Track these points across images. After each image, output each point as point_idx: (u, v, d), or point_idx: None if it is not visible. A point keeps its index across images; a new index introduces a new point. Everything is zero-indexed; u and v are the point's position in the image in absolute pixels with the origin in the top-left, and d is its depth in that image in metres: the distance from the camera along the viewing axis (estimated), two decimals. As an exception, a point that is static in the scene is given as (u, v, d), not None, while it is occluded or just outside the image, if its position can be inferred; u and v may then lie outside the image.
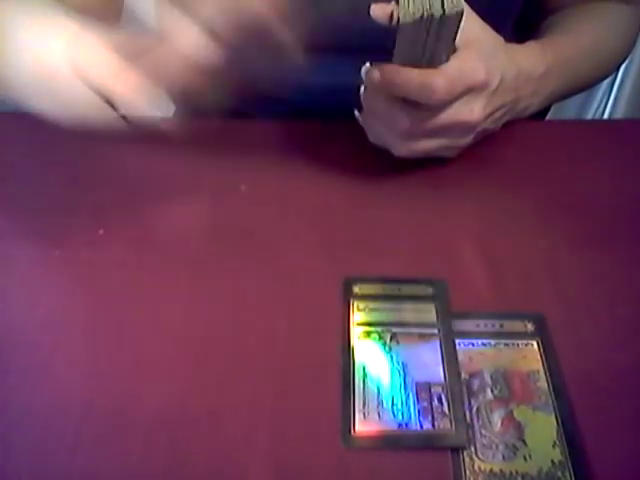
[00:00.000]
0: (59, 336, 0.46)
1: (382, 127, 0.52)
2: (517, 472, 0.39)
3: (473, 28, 0.51)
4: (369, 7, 0.49)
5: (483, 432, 0.41)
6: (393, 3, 0.46)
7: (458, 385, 0.43)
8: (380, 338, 0.46)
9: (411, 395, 0.43)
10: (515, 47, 0.56)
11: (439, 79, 0.48)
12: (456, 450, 0.40)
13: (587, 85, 0.67)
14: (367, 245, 0.52)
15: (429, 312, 0.47)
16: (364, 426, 0.41)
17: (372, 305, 0.48)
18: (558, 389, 0.43)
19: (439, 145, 0.53)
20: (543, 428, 0.41)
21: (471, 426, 0.41)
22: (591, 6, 0.65)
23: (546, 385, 0.43)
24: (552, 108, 0.73)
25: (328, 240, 0.52)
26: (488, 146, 0.58)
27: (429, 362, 0.44)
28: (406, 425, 0.41)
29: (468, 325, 0.46)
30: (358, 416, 0.42)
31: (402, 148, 0.52)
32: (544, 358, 0.45)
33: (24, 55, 0.47)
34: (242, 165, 0.58)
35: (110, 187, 0.56)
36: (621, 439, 0.41)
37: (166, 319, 0.47)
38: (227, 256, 0.51)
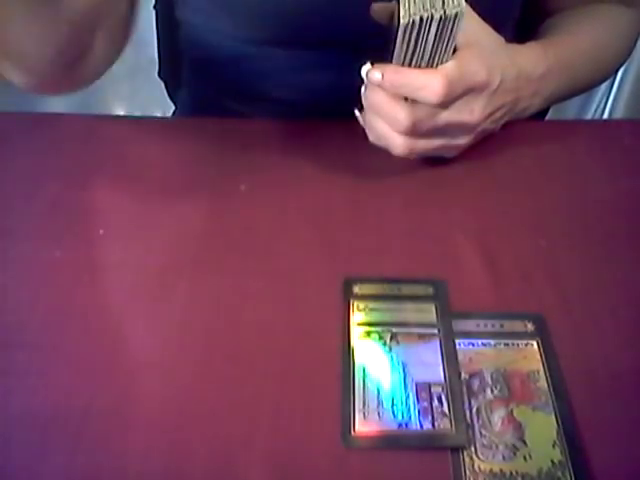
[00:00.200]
0: (59, 336, 0.46)
1: (383, 126, 0.52)
2: (517, 472, 0.39)
3: (474, 28, 0.51)
4: (369, 6, 0.50)
5: (483, 432, 0.41)
6: (394, 3, 0.46)
7: (458, 385, 0.43)
8: (380, 338, 0.46)
9: (411, 395, 0.43)
10: (516, 47, 0.57)
11: (439, 79, 0.48)
12: (456, 450, 0.40)
13: (587, 87, 0.67)
14: (367, 245, 0.52)
15: (429, 312, 0.47)
16: (364, 426, 0.41)
17: (372, 305, 0.48)
18: (558, 389, 0.43)
19: (439, 145, 0.53)
20: (543, 428, 0.41)
21: (471, 426, 0.41)
22: (592, 8, 0.65)
23: (546, 385, 0.43)
24: (552, 108, 0.73)
25: (328, 240, 0.52)
26: (488, 146, 0.58)
27: (429, 362, 0.44)
28: (406, 425, 0.41)
29: (468, 325, 0.46)
30: (358, 416, 0.42)
31: (402, 148, 0.52)
32: (544, 358, 0.45)
33: None
34: (242, 165, 0.58)
35: (110, 187, 0.56)
36: (621, 439, 0.41)
37: (166, 319, 0.47)
38: (227, 256, 0.51)
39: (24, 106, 0.68)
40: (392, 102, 0.50)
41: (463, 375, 0.44)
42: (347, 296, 0.48)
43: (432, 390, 0.43)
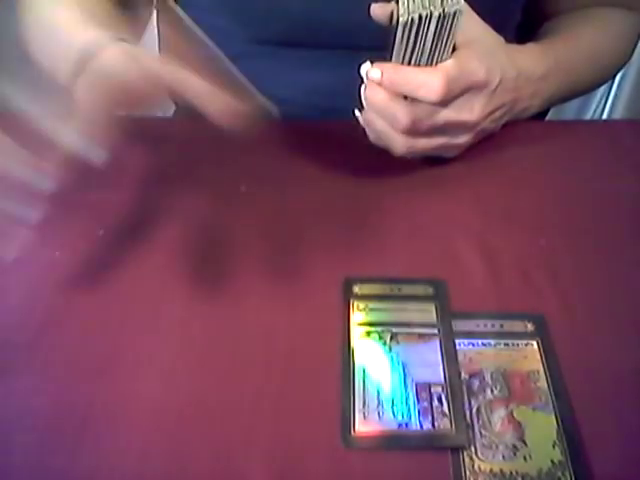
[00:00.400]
0: (59, 336, 0.46)
1: (382, 125, 0.52)
2: (517, 472, 0.39)
3: (473, 27, 0.51)
4: (369, 6, 0.50)
5: (483, 432, 0.41)
6: (393, 2, 0.46)
7: (458, 385, 0.43)
8: (380, 338, 0.46)
9: (411, 395, 0.43)
10: (515, 48, 0.57)
11: (439, 77, 0.48)
12: (456, 450, 0.40)
13: (587, 89, 0.67)
14: (367, 245, 0.52)
15: (429, 312, 0.47)
16: (364, 426, 0.41)
17: (372, 305, 0.48)
18: (558, 389, 0.43)
19: (439, 144, 0.53)
20: (543, 428, 0.41)
21: (471, 426, 0.41)
22: (592, 11, 0.65)
23: (546, 385, 0.43)
24: (551, 109, 0.73)
25: (328, 240, 0.52)
26: (488, 146, 0.58)
27: (429, 362, 0.44)
28: (406, 425, 0.41)
29: (468, 325, 0.46)
30: (358, 416, 0.42)
31: (402, 147, 0.52)
32: (544, 358, 0.45)
33: None
34: (242, 165, 0.58)
35: (110, 187, 0.56)
36: (621, 439, 0.41)
37: (166, 319, 0.47)
38: (227, 256, 0.51)
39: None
40: (392, 101, 0.50)
41: (463, 375, 0.44)
42: (347, 296, 0.48)
43: (432, 390, 0.43)
